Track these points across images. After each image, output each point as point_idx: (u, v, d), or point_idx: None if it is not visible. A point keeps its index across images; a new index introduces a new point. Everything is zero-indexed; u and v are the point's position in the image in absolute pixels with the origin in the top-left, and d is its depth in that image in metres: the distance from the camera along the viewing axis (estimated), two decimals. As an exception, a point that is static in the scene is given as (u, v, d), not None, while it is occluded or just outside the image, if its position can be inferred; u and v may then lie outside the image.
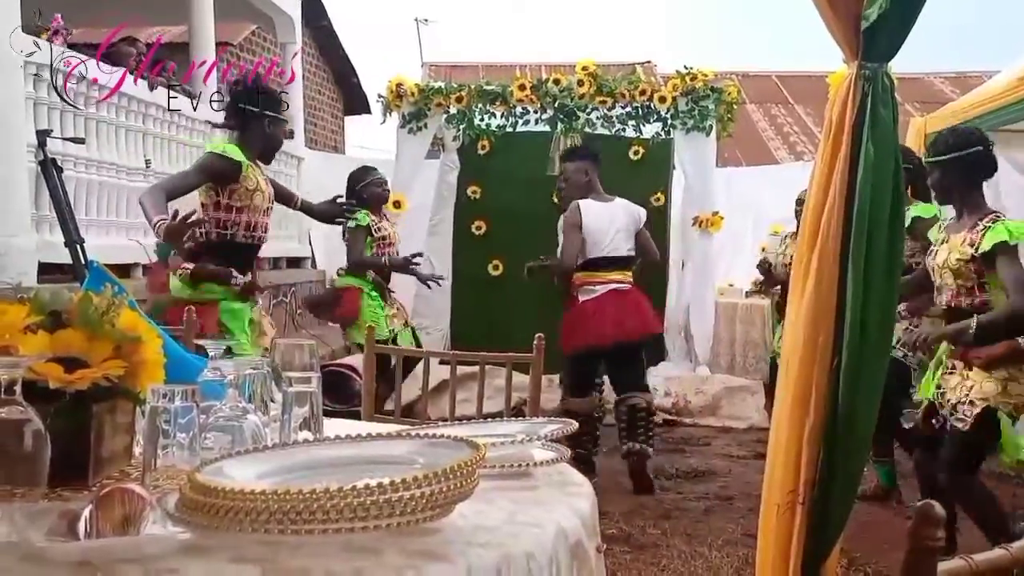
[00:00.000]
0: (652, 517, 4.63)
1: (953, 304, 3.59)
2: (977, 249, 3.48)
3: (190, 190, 3.98)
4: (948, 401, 3.57)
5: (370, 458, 1.43)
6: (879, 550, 3.98)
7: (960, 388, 3.54)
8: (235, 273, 4.03)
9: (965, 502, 3.60)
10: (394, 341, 5.47)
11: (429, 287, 6.71)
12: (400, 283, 7.62)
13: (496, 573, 1.22)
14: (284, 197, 4.73)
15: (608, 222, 5.29)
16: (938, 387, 3.68)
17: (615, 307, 5.25)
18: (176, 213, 3.61)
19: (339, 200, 4.92)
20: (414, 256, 6.03)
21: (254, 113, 4.12)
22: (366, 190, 5.85)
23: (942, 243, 3.67)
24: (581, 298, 5.29)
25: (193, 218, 3.64)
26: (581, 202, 5.28)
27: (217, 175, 3.97)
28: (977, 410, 3.46)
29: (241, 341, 3.92)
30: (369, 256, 5.69)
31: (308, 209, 5.04)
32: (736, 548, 4.11)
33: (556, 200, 5.90)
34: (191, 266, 4.01)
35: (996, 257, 3.45)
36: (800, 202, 5.92)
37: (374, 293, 5.69)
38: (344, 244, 5.90)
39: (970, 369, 3.54)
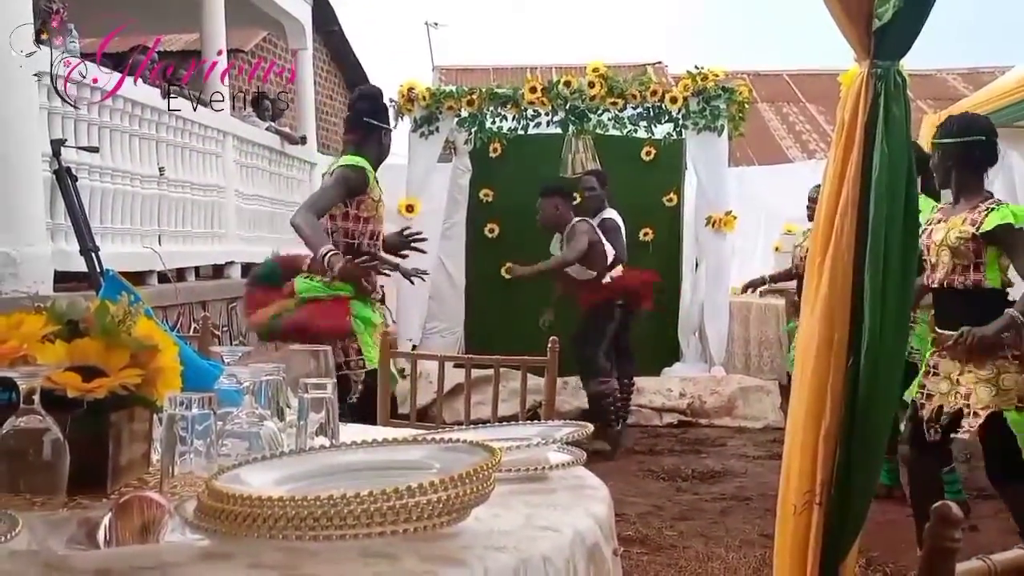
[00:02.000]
0: (669, 518, 4.62)
1: (946, 283, 3.59)
2: (978, 228, 3.51)
3: (332, 205, 3.95)
4: (942, 409, 3.57)
5: (386, 463, 1.43)
6: (897, 550, 3.96)
7: (953, 395, 3.53)
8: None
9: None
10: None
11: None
12: (410, 289, 7.65)
13: (513, 577, 1.22)
14: None
15: None
16: (921, 387, 3.69)
17: None
18: (356, 251, 3.85)
19: (407, 232, 4.66)
20: (419, 272, 5.88)
21: (374, 125, 4.16)
22: None
23: (938, 222, 3.67)
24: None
25: (371, 262, 3.77)
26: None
27: (352, 188, 3.97)
28: (981, 420, 3.46)
29: (367, 342, 3.88)
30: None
31: None
32: (753, 549, 4.10)
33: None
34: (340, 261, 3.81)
35: (1005, 238, 3.48)
36: (812, 198, 5.91)
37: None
38: None
39: (959, 373, 3.53)
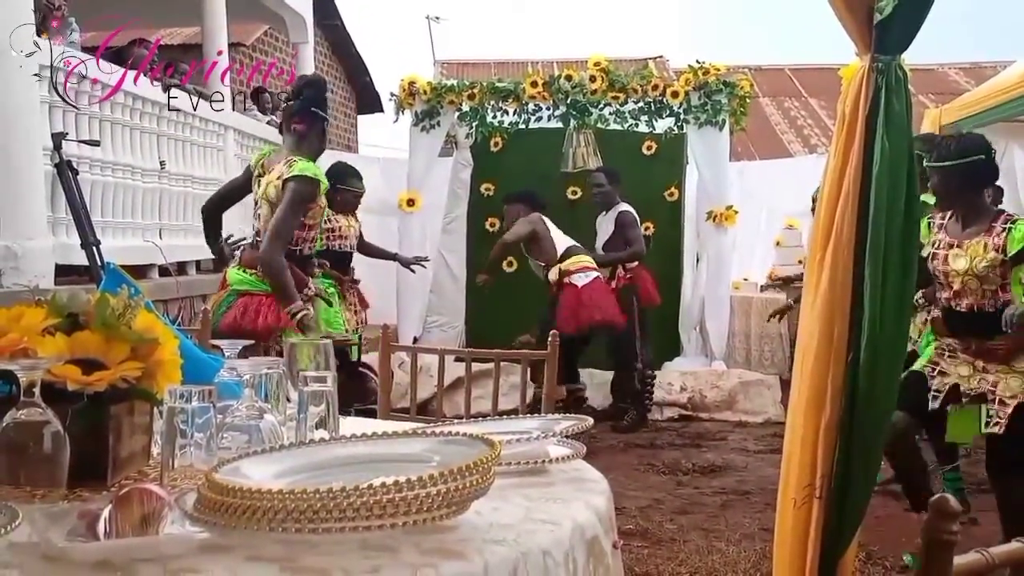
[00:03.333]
0: (669, 512, 4.63)
1: (976, 307, 3.59)
2: (1005, 253, 3.50)
3: (295, 229, 3.85)
4: (958, 388, 3.56)
5: (386, 456, 1.43)
6: (897, 544, 3.96)
7: (977, 379, 3.53)
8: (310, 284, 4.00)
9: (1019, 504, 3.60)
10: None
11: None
12: (411, 282, 7.66)
13: (513, 570, 1.22)
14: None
15: None
16: (933, 363, 3.69)
17: None
18: (298, 258, 3.88)
19: (415, 258, 5.52)
20: (420, 259, 6.25)
21: (319, 115, 3.96)
22: (342, 194, 5.72)
23: (950, 247, 3.63)
24: (579, 283, 6.31)
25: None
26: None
27: (307, 203, 3.83)
28: (1009, 409, 3.47)
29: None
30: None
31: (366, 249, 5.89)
32: (753, 542, 4.11)
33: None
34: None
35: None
36: (815, 199, 5.89)
37: (331, 289, 5.17)
38: None
39: (983, 362, 3.53)
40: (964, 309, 3.62)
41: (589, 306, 6.18)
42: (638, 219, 6.81)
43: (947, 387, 3.60)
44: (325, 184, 3.91)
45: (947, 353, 3.65)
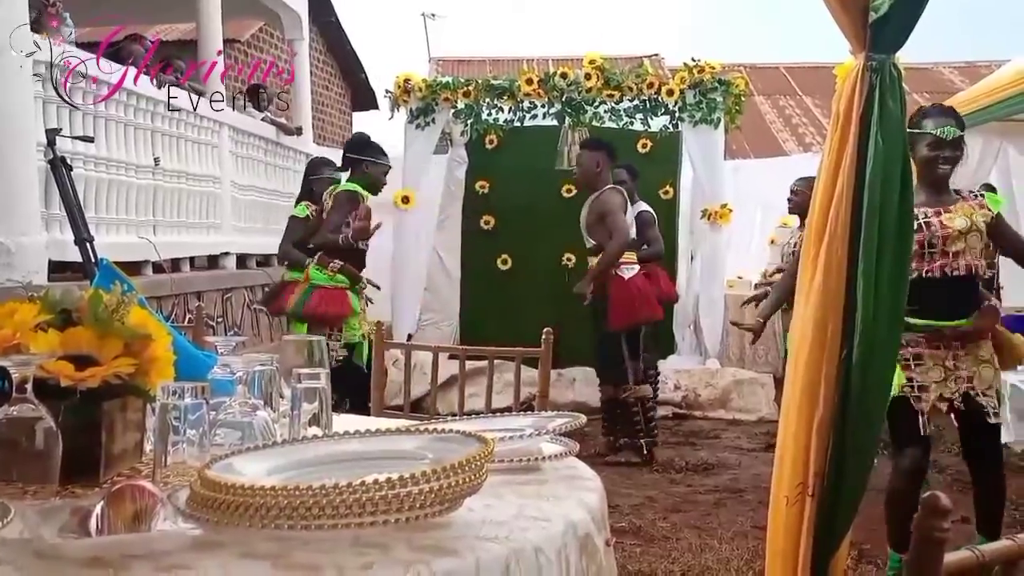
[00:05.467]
0: (662, 510, 4.63)
1: (974, 269, 3.57)
2: (991, 212, 3.61)
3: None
4: (943, 396, 3.54)
5: (379, 453, 1.43)
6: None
7: (953, 380, 3.51)
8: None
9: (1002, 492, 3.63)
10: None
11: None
12: (406, 279, 7.65)
13: (505, 567, 1.22)
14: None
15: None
16: (908, 381, 3.56)
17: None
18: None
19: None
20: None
21: (354, 159, 5.49)
22: (316, 183, 6.01)
23: (938, 214, 3.62)
24: (626, 275, 5.65)
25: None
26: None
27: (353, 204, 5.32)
28: (994, 399, 3.50)
29: (351, 323, 5.28)
30: (293, 249, 5.79)
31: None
32: (746, 540, 4.11)
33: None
34: (340, 263, 5.28)
35: (1001, 222, 3.65)
36: (793, 191, 5.87)
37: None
38: None
39: (953, 359, 3.52)
40: (963, 272, 3.58)
41: (640, 299, 5.80)
42: (656, 217, 6.58)
43: (931, 404, 3.56)
44: (365, 195, 5.33)
45: (913, 361, 3.56)
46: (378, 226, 5.37)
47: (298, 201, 6.13)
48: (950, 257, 3.62)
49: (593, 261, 5.73)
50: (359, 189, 5.34)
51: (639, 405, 5.64)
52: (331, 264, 5.25)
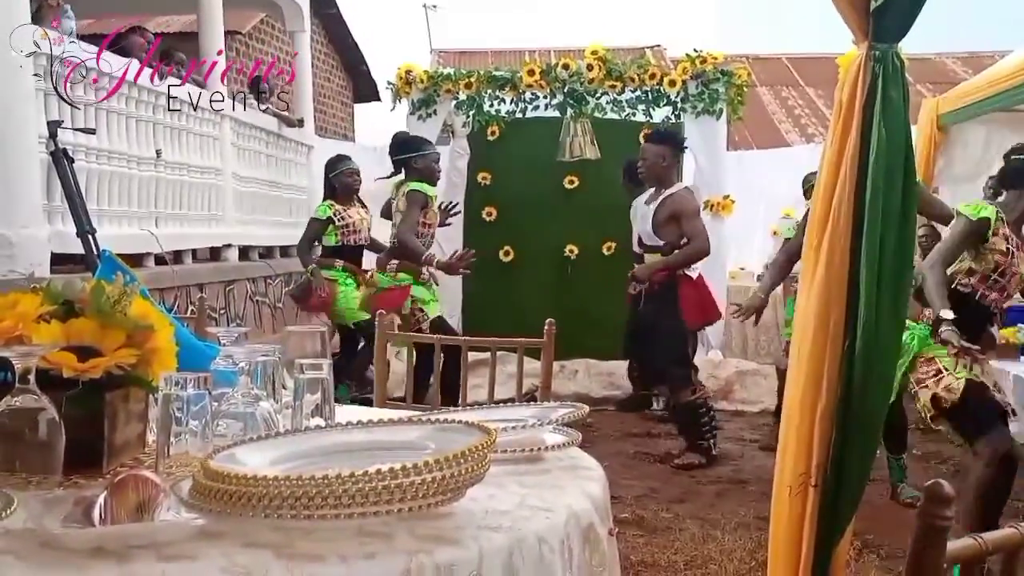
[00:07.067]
0: (665, 501, 4.64)
1: (1002, 307, 3.64)
2: None
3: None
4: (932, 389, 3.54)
5: (382, 444, 1.43)
6: (891, 532, 3.97)
7: (942, 378, 3.52)
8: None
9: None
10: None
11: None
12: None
13: (508, 557, 1.22)
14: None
15: None
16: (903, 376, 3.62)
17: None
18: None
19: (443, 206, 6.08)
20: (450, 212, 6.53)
21: (401, 159, 5.79)
22: (337, 179, 6.21)
23: (1020, 249, 3.59)
24: (692, 275, 5.69)
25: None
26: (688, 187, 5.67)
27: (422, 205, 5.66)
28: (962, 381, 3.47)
29: (428, 303, 5.69)
30: (305, 252, 6.15)
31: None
32: (749, 531, 4.12)
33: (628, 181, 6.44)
34: (396, 263, 5.68)
35: None
36: (808, 182, 5.88)
37: (349, 280, 6.09)
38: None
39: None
40: (996, 310, 3.64)
41: (709, 299, 5.80)
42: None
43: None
44: (432, 194, 5.67)
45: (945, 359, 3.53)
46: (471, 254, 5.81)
47: (324, 199, 6.33)
48: (1004, 295, 3.62)
49: (651, 258, 5.46)
50: (424, 188, 5.61)
51: (706, 406, 5.44)
52: (388, 265, 5.69)
